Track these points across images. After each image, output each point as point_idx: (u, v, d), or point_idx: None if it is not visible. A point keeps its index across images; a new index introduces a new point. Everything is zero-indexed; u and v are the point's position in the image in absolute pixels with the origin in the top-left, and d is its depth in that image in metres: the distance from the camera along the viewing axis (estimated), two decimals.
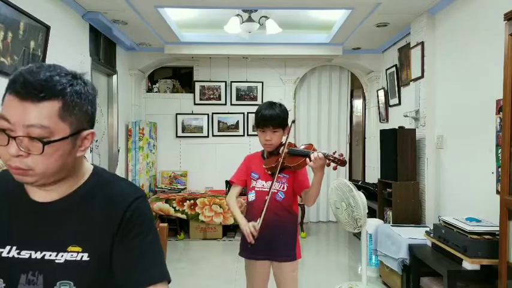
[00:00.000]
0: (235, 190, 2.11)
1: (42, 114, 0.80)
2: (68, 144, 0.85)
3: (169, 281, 0.94)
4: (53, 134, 0.82)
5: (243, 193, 2.19)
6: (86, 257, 0.89)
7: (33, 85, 0.80)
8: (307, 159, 1.83)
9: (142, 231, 0.92)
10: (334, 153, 1.79)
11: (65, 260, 0.88)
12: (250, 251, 2.05)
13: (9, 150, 0.81)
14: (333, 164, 1.78)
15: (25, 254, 0.89)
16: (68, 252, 0.89)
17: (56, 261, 0.88)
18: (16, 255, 0.89)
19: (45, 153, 0.82)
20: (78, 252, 0.89)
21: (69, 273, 0.88)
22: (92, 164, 1.01)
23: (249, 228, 1.87)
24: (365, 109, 5.97)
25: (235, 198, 2.09)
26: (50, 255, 0.89)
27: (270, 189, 1.93)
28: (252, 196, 2.06)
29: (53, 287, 0.87)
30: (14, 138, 0.80)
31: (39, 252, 0.89)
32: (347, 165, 6.02)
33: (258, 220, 1.89)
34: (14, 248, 0.89)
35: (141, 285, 0.88)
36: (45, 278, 0.88)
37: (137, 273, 0.90)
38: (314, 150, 1.89)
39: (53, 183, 0.89)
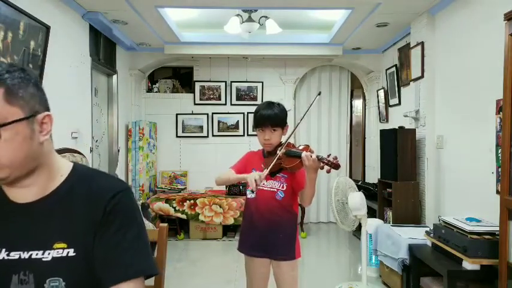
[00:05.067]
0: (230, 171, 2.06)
1: None
2: (26, 128, 0.85)
3: (154, 274, 0.94)
4: (6, 119, 0.82)
5: (242, 193, 2.17)
6: (71, 252, 0.90)
7: None
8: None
9: (122, 225, 0.92)
10: (328, 156, 1.77)
11: (52, 257, 0.89)
12: (249, 247, 2.07)
13: None
14: (326, 167, 1.76)
15: (14, 255, 0.90)
16: (54, 249, 0.90)
17: (43, 259, 0.89)
18: (6, 257, 0.90)
19: (4, 139, 0.82)
20: (63, 248, 0.90)
21: (57, 269, 0.89)
22: (72, 162, 1.00)
23: (254, 176, 1.80)
24: (365, 109, 5.97)
25: None
26: (37, 254, 0.89)
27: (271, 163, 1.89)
28: (251, 193, 2.06)
29: (43, 285, 0.88)
30: None
31: (26, 252, 0.90)
32: (347, 165, 6.03)
33: (265, 170, 1.86)
34: (4, 250, 0.90)
35: (115, 281, 0.88)
36: (35, 276, 0.89)
37: (113, 269, 0.89)
38: (310, 151, 1.88)
39: (26, 177, 0.89)
